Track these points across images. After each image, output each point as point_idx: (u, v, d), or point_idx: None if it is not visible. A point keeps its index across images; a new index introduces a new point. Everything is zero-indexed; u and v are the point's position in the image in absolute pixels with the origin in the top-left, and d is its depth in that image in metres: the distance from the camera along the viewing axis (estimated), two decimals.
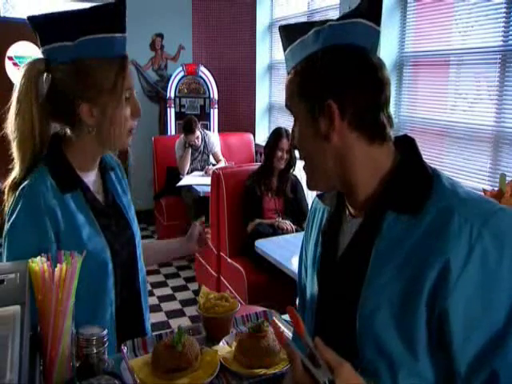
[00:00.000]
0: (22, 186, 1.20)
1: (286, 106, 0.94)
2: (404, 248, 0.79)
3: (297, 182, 3.38)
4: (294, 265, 2.44)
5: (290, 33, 0.91)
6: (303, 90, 0.87)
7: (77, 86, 1.17)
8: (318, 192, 1.07)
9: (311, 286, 1.00)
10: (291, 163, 3.28)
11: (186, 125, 4.66)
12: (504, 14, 2.58)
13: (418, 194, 0.81)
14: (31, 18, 1.16)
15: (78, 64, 1.16)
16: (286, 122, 5.07)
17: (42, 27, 1.16)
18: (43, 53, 1.18)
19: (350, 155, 0.86)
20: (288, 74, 0.92)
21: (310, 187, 0.96)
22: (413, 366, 0.78)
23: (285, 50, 0.94)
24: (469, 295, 0.73)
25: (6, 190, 1.25)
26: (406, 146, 0.88)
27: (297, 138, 0.91)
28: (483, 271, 0.73)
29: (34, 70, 1.18)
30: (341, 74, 0.83)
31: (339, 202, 0.97)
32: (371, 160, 0.86)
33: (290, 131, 0.95)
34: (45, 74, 1.19)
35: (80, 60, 1.15)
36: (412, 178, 0.84)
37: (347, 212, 0.94)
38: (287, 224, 3.12)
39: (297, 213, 3.27)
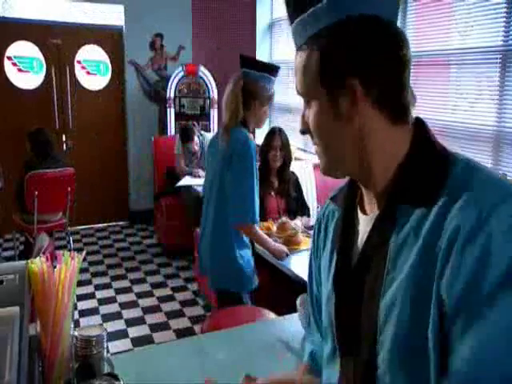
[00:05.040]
0: (250, 140, 2.23)
1: (297, 89, 0.83)
2: (418, 240, 0.73)
3: (297, 179, 3.36)
4: (293, 265, 2.43)
5: (298, 2, 0.81)
6: (323, 66, 0.78)
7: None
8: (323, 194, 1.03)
9: (327, 294, 0.92)
10: (287, 160, 3.23)
11: (184, 133, 4.63)
12: (504, 14, 2.58)
13: (431, 185, 0.74)
14: None
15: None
16: (286, 121, 5.06)
17: None
18: None
19: (372, 137, 0.79)
20: (298, 50, 0.82)
21: (325, 173, 0.87)
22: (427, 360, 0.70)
23: (292, 22, 0.83)
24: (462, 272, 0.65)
25: (224, 131, 2.27)
26: (418, 131, 0.81)
27: (312, 122, 0.82)
28: (482, 255, 0.64)
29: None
30: (366, 49, 0.76)
31: (350, 203, 0.91)
32: (391, 143, 0.79)
33: (301, 117, 0.86)
34: None
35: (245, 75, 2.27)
36: (424, 166, 0.77)
37: (359, 211, 0.88)
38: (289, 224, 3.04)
39: (300, 210, 3.24)
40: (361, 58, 0.76)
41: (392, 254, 0.76)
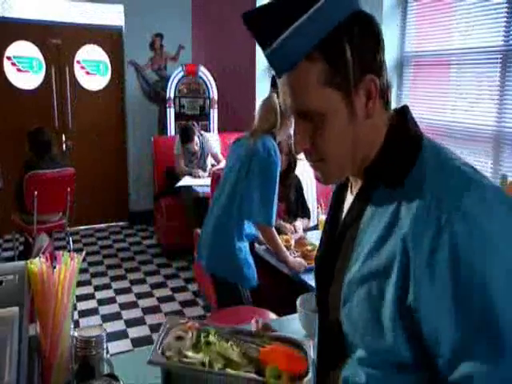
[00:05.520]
0: (271, 143, 2.34)
1: (299, 108, 0.79)
2: (383, 221, 0.77)
3: (299, 181, 3.31)
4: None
5: (270, 24, 0.77)
6: (335, 71, 0.75)
7: None
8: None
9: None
10: (292, 164, 3.11)
11: (184, 133, 4.60)
12: (505, 14, 2.58)
13: (398, 169, 0.78)
14: None
15: None
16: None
17: None
18: None
19: (378, 128, 0.81)
20: (289, 70, 0.77)
21: (331, 182, 0.89)
22: (378, 337, 0.76)
23: (264, 47, 0.79)
24: (438, 292, 0.68)
25: (251, 135, 2.40)
26: (399, 115, 0.84)
27: (329, 133, 0.79)
28: (453, 262, 0.67)
29: None
30: (372, 44, 0.77)
31: (343, 183, 0.95)
32: (382, 130, 0.82)
33: (299, 136, 0.82)
34: None
35: None
36: (395, 151, 0.80)
37: (349, 190, 0.92)
38: (287, 228, 3.03)
39: (301, 211, 3.20)
40: (371, 52, 0.77)
41: (362, 228, 0.81)
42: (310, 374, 0.92)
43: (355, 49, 0.75)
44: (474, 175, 0.74)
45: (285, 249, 2.47)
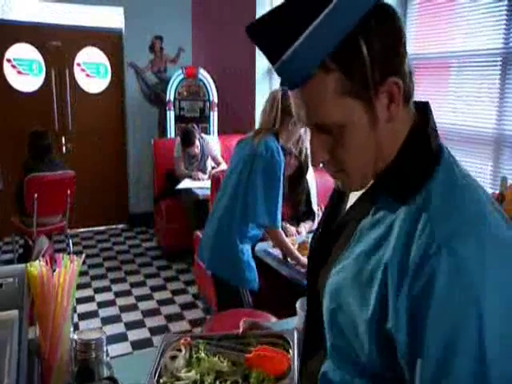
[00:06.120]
0: (274, 144, 2.27)
1: (316, 122, 0.73)
2: (380, 229, 0.73)
3: (308, 188, 3.23)
4: (293, 268, 2.43)
5: (278, 34, 0.69)
6: (353, 82, 0.68)
7: None
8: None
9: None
10: (303, 169, 2.93)
11: (185, 137, 4.59)
12: (505, 17, 2.58)
13: (408, 185, 0.72)
14: None
15: None
16: None
17: None
18: None
19: (400, 130, 0.76)
20: (301, 84, 0.69)
21: (356, 189, 0.82)
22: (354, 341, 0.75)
23: (273, 61, 0.70)
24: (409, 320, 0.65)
25: (254, 135, 2.34)
26: (420, 116, 0.77)
27: (350, 144, 0.73)
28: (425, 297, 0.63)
29: None
30: (392, 41, 0.69)
31: None
32: (402, 132, 0.76)
33: (316, 148, 0.77)
34: None
35: None
36: (411, 163, 0.74)
37: None
38: (291, 231, 2.98)
39: (306, 215, 3.15)
40: (392, 50, 0.70)
41: (358, 233, 0.78)
42: (291, 372, 0.99)
43: (374, 49, 0.67)
44: (483, 209, 0.69)
45: (294, 249, 2.45)
